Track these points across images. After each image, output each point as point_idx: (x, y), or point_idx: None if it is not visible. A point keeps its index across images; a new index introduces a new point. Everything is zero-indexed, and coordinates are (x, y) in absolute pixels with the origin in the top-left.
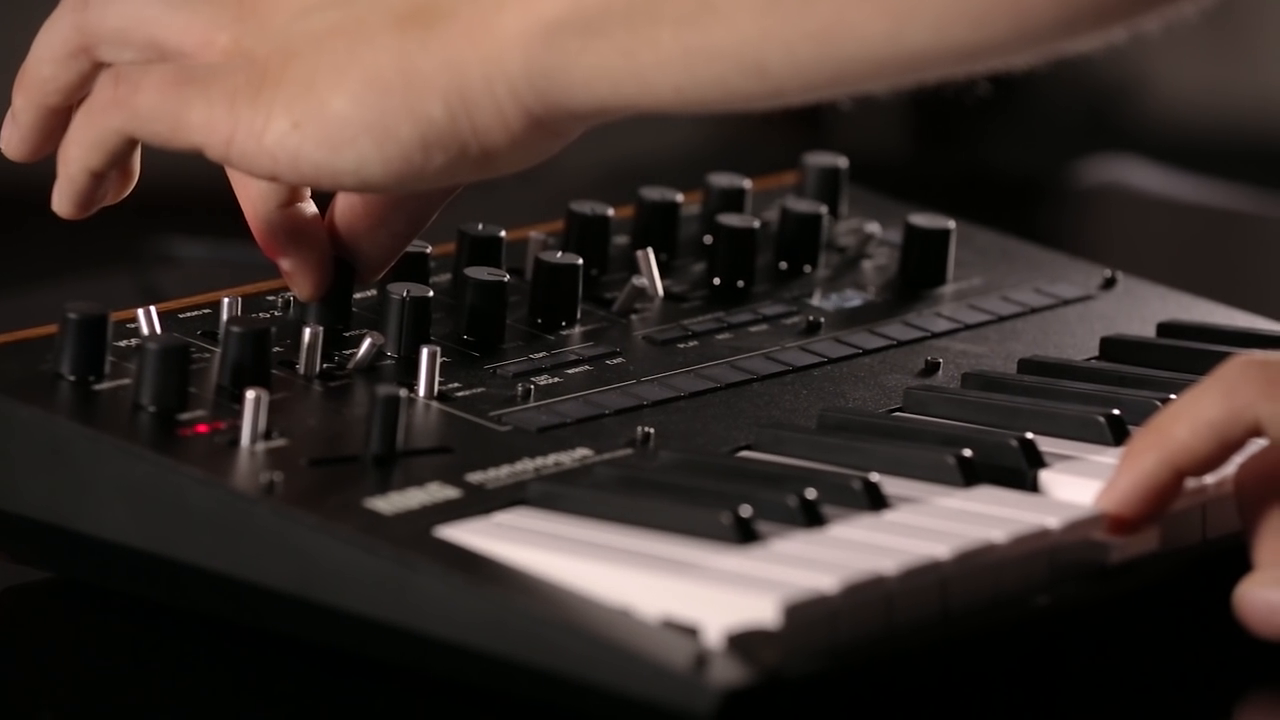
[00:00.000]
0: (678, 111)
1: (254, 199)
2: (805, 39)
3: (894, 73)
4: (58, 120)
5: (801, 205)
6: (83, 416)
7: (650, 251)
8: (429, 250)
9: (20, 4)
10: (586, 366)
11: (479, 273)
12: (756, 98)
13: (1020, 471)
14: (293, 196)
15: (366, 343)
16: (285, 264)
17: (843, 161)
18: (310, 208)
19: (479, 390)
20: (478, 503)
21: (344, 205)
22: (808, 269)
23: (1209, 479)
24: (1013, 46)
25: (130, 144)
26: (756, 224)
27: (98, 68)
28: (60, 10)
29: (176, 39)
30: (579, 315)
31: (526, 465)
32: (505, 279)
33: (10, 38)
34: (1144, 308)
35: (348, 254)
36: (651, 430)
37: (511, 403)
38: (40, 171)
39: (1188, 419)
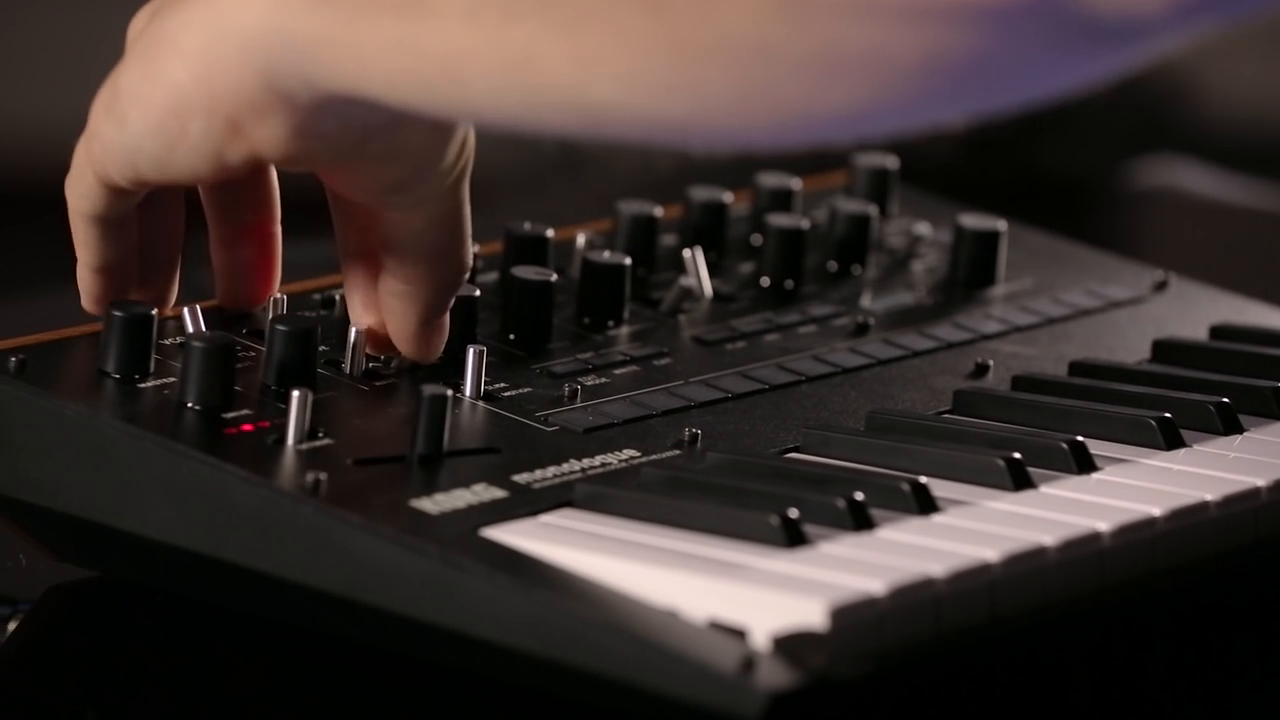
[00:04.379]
0: (390, 104)
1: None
2: (500, 61)
3: (584, 123)
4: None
5: (851, 205)
6: (128, 415)
7: (698, 251)
8: (476, 250)
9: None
10: (633, 367)
11: (526, 272)
12: (458, 110)
13: (1071, 474)
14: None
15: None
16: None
17: (892, 162)
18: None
19: (525, 390)
20: (524, 503)
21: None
22: (857, 270)
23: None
24: (693, 129)
25: (100, 221)
26: (806, 224)
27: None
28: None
29: None
30: (626, 315)
31: (573, 466)
32: (552, 279)
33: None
34: (1196, 310)
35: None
36: (699, 431)
37: (558, 403)
38: None
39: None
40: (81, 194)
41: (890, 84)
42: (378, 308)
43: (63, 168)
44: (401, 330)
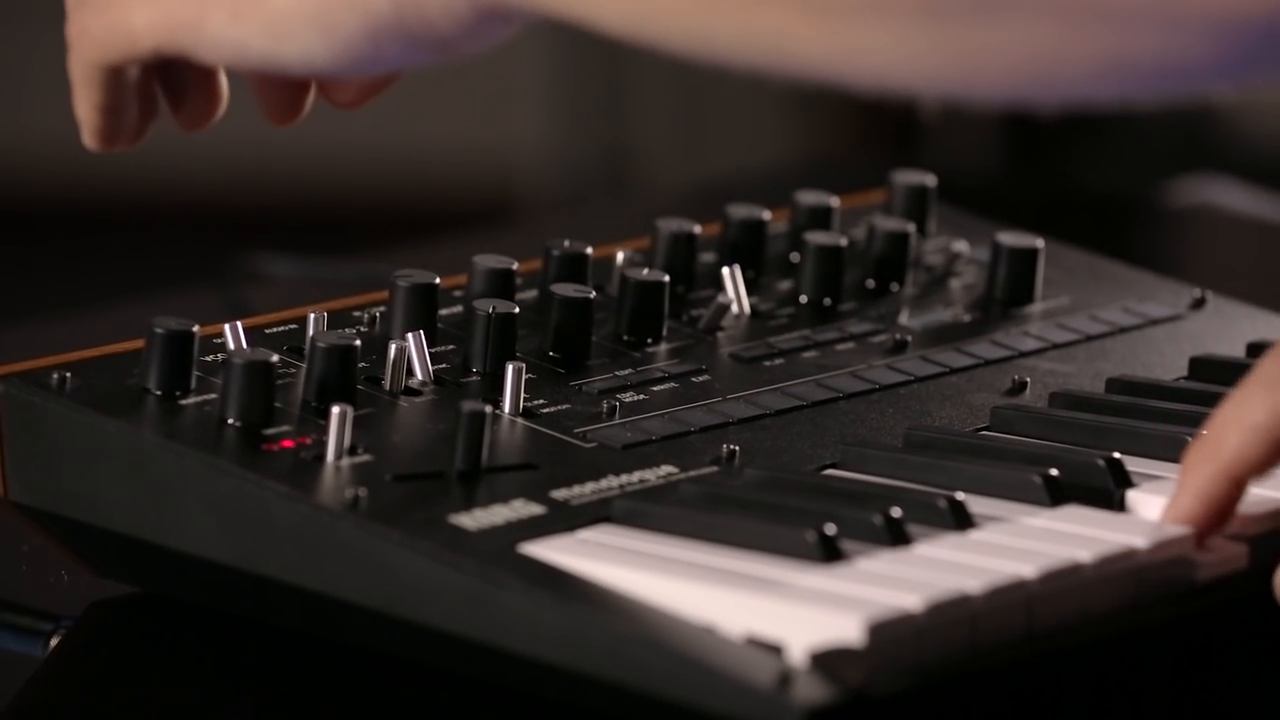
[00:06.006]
0: (626, 40)
1: None
2: (751, 36)
3: (837, 85)
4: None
5: (889, 223)
6: (168, 431)
7: (737, 269)
8: (515, 267)
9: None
10: (672, 384)
11: (565, 289)
12: (700, 61)
13: (1107, 491)
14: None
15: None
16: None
17: (931, 180)
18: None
19: (564, 407)
20: (562, 519)
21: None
22: (895, 287)
23: None
24: (956, 95)
25: (112, 70)
26: (844, 242)
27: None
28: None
29: None
30: (665, 332)
31: (611, 482)
32: (591, 296)
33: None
34: (1233, 328)
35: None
36: (737, 448)
37: (597, 419)
38: (127, 190)
39: (1236, 426)
40: (90, 66)
41: (1175, 85)
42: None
43: (106, 187)
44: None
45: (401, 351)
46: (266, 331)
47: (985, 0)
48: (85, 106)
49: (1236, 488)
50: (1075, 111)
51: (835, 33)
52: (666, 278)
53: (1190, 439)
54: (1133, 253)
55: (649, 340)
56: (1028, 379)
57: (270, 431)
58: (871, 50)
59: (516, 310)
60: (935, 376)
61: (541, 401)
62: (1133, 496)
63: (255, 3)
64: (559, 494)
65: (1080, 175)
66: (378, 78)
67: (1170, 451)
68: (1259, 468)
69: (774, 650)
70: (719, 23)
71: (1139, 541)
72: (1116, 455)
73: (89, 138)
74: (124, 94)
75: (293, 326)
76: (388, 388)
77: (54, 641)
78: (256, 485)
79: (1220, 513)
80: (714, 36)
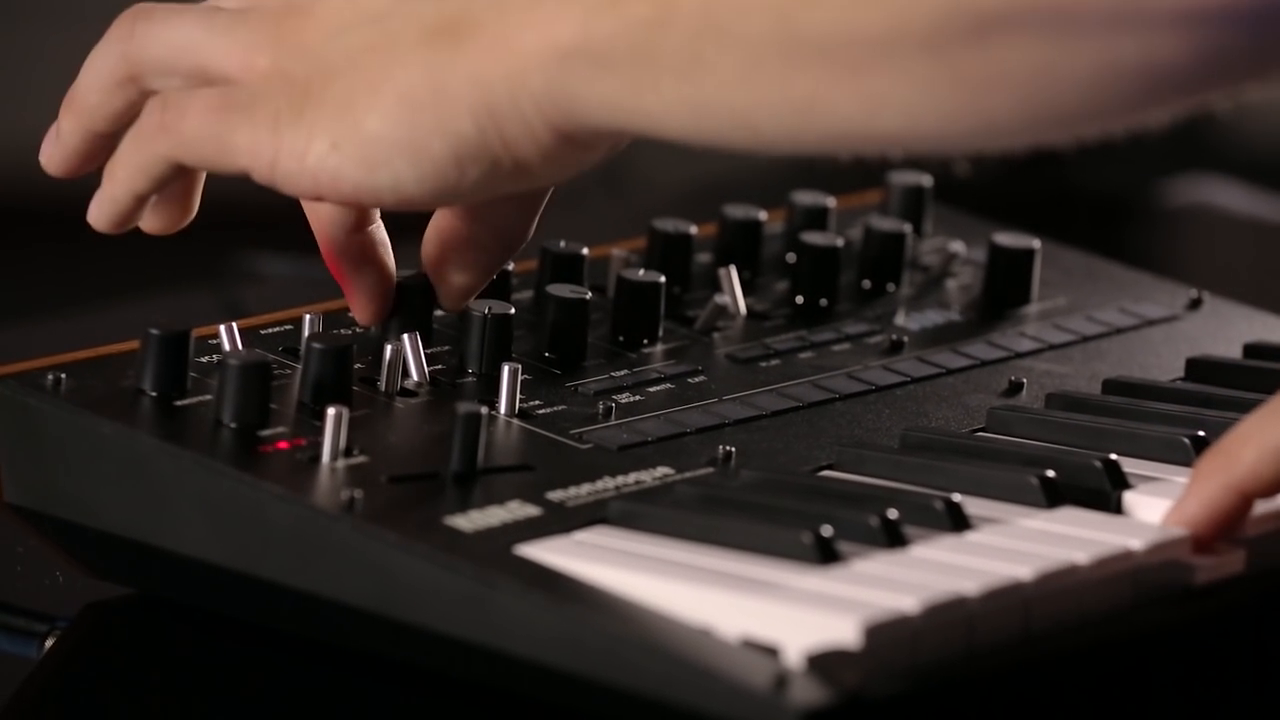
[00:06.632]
0: (689, 143)
1: (323, 222)
2: (788, 107)
3: (875, 146)
4: (102, 144)
5: (885, 224)
6: (164, 433)
7: (733, 269)
8: (511, 267)
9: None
10: (668, 385)
11: (561, 290)
12: (755, 149)
13: (1104, 493)
14: (361, 221)
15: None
16: (350, 287)
17: (927, 180)
18: (380, 233)
19: (560, 408)
20: (558, 521)
21: (436, 225)
22: (891, 288)
23: None
24: (980, 141)
25: (176, 169)
26: (840, 242)
27: (145, 95)
28: (107, 39)
29: (219, 64)
30: (661, 333)
31: (607, 484)
32: (587, 296)
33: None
34: (1230, 328)
35: (437, 277)
36: (733, 449)
37: (592, 421)
38: None
39: (1255, 443)
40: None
41: (1166, 88)
42: (445, 258)
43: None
44: (457, 290)
45: (397, 353)
46: (262, 332)
47: (981, 23)
48: (125, 191)
49: (1244, 503)
50: (1090, 142)
51: (858, 85)
52: (662, 278)
53: (1186, 440)
54: (1129, 253)
55: (645, 341)
56: (1024, 380)
57: (266, 433)
58: (893, 98)
59: (512, 311)
60: (931, 377)
61: (537, 402)
62: (1129, 498)
63: (352, 131)
64: (555, 495)
65: (1076, 175)
66: (488, 269)
67: (1167, 453)
68: (1270, 488)
69: (770, 652)
70: (759, 95)
71: (1136, 543)
72: (1113, 457)
73: (107, 221)
74: (159, 190)
75: (288, 327)
76: (383, 389)
77: (49, 643)
78: (252, 487)
79: (1224, 525)
80: (756, 113)
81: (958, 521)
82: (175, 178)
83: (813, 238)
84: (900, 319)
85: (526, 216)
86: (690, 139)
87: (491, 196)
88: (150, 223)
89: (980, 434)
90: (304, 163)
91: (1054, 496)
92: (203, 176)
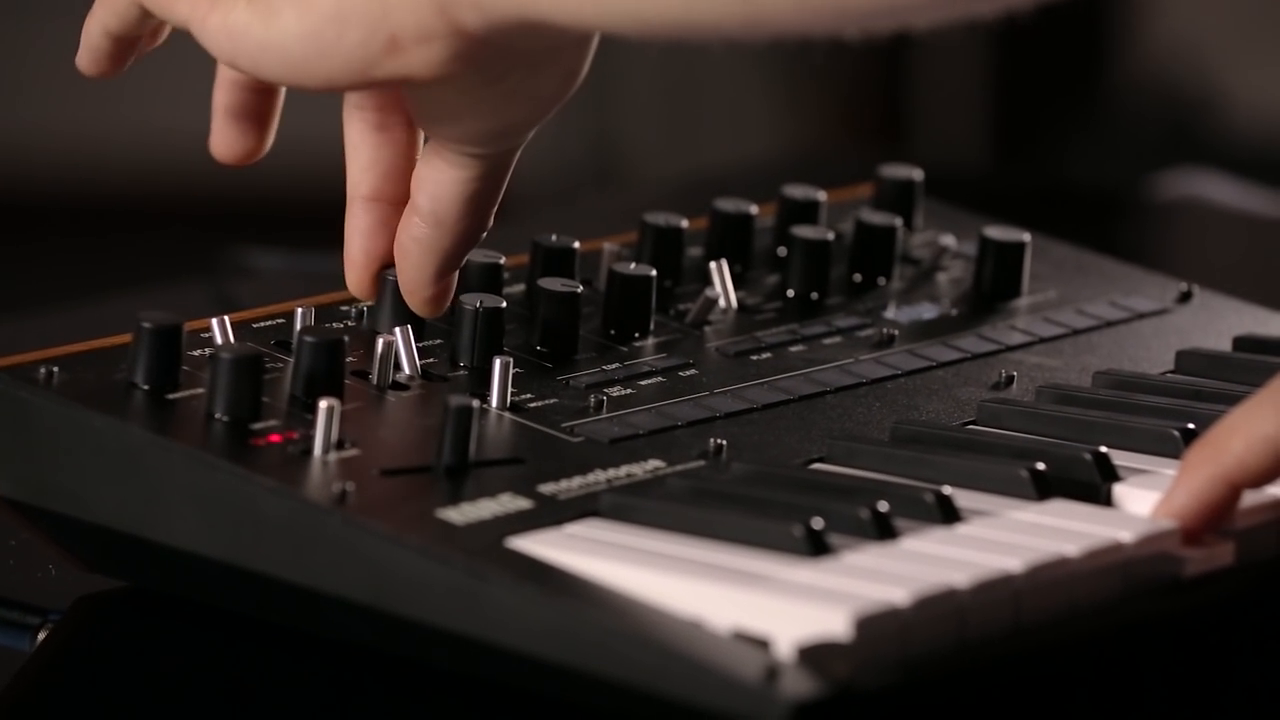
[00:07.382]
0: (560, 24)
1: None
2: None
3: (745, 21)
4: (120, 45)
5: (876, 217)
6: (156, 426)
7: (724, 263)
8: (502, 261)
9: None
10: (659, 378)
11: (552, 284)
12: (627, 18)
13: (1094, 485)
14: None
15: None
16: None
17: (918, 174)
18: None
19: (551, 401)
20: (549, 514)
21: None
22: (882, 281)
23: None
24: (854, 13)
25: (140, 11)
26: (831, 236)
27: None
28: None
29: None
30: (652, 327)
31: (598, 476)
32: (579, 290)
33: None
34: (1220, 321)
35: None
36: (724, 442)
37: (584, 414)
38: (115, 183)
39: (1243, 434)
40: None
41: None
42: (379, 251)
43: (96, 183)
44: (415, 279)
45: (389, 346)
46: (254, 326)
47: None
48: (96, 27)
49: (1233, 494)
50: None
51: None
52: (653, 272)
53: (1176, 433)
54: (1119, 246)
55: (636, 335)
56: (1015, 373)
57: (258, 426)
58: None
59: (504, 305)
60: (922, 371)
61: (529, 396)
62: (1119, 490)
63: None
64: (546, 488)
65: (1067, 169)
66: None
67: (1157, 445)
68: (1259, 479)
69: (761, 644)
70: None
71: (1125, 536)
72: (1103, 449)
73: (86, 60)
74: (138, 30)
75: (280, 321)
76: (375, 382)
77: (41, 636)
78: (244, 480)
79: (1212, 516)
80: None
81: (948, 514)
82: (139, 22)
83: (803, 231)
84: (891, 312)
85: (480, 211)
86: (600, 9)
87: (365, 83)
88: (227, 147)
89: (971, 427)
90: (226, 19)
91: (1044, 489)
92: (279, 101)
